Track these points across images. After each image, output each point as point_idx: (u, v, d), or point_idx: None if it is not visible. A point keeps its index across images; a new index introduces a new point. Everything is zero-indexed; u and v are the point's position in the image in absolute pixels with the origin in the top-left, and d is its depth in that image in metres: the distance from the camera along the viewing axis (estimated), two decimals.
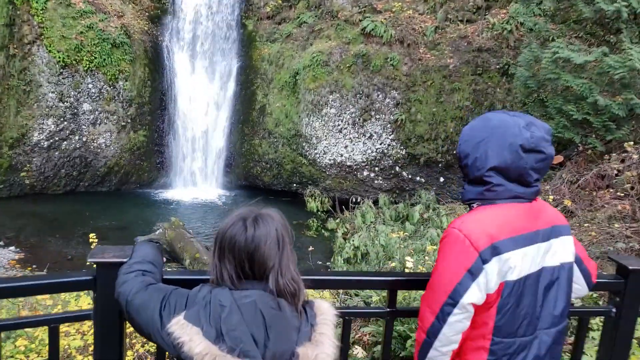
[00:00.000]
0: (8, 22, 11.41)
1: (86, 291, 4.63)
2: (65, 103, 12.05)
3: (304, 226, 11.11)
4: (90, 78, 12.15)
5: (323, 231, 10.78)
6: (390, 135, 12.28)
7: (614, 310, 2.30)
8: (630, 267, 2.24)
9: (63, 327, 3.69)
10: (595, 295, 3.83)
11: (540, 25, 9.13)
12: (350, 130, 12.37)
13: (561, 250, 1.84)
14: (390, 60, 11.96)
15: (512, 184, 1.77)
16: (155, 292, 1.59)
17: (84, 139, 12.41)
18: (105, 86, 12.33)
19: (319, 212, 11.74)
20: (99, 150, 12.61)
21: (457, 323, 1.70)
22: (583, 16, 8.26)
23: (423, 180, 12.38)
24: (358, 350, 3.29)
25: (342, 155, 12.53)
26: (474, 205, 1.82)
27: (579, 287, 1.98)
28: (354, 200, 11.88)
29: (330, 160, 12.60)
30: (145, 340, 4.10)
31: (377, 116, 12.22)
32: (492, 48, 11.67)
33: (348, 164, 12.55)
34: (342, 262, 8.21)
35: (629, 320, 2.31)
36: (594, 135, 7.92)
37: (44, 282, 1.90)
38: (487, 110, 11.67)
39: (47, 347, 3.70)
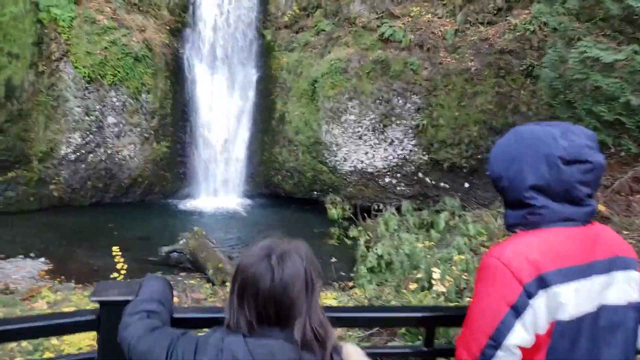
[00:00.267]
0: (36, 41, 11.78)
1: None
2: (91, 117, 12.33)
3: (326, 234, 11.02)
4: (114, 92, 12.42)
5: (345, 239, 10.67)
6: (411, 140, 12.12)
7: None
8: None
9: (88, 342, 3.69)
10: None
11: (565, 25, 8.89)
12: (371, 137, 12.26)
13: (627, 287, 1.55)
14: (410, 65, 11.84)
15: (560, 204, 1.53)
16: (162, 337, 1.45)
17: (109, 151, 12.64)
18: (128, 99, 12.57)
19: (340, 220, 11.63)
20: (123, 162, 12.82)
21: None
22: (610, 13, 8.02)
23: (447, 186, 12.16)
24: None
25: (362, 162, 12.43)
26: (517, 230, 1.60)
27: None
28: (376, 207, 11.75)
29: (350, 167, 12.51)
30: None
31: (398, 122, 12.09)
32: (514, 50, 11.43)
33: (369, 170, 12.44)
34: (366, 271, 8.07)
35: None
36: (627, 137, 7.64)
37: (42, 325, 1.73)
38: (511, 113, 11.42)
39: None
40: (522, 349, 1.45)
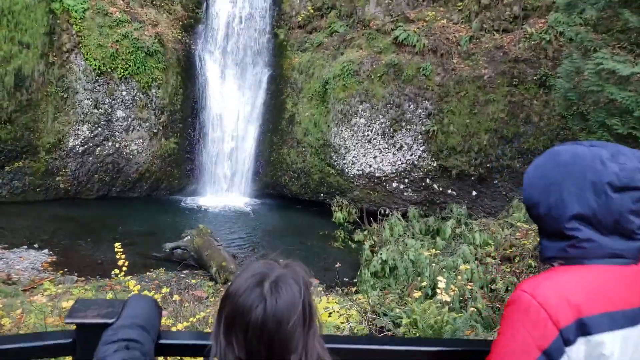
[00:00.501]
0: (48, 31, 11.79)
1: None
2: (100, 110, 12.33)
3: (330, 237, 10.95)
4: (124, 85, 12.41)
5: (350, 243, 10.59)
6: (421, 146, 12.01)
7: None
8: None
9: None
10: None
11: (582, 35, 8.76)
12: (380, 141, 12.17)
13: None
14: (423, 70, 11.74)
15: (607, 238, 1.33)
16: None
17: (117, 145, 12.64)
18: (138, 94, 12.56)
19: (346, 224, 11.55)
20: (131, 156, 12.82)
21: None
22: (628, 25, 7.87)
23: (455, 193, 12.04)
24: None
25: (370, 166, 12.33)
26: (555, 264, 1.40)
27: None
28: (382, 212, 11.64)
29: (358, 170, 12.42)
30: None
31: (408, 127, 11.98)
32: (529, 59, 11.30)
33: (377, 174, 12.34)
34: (369, 275, 7.99)
35: None
36: None
37: (7, 348, 1.54)
38: (522, 123, 11.28)
39: None
40: None
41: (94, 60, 12.05)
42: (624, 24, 8.01)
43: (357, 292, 6.39)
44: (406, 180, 12.27)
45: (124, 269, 4.37)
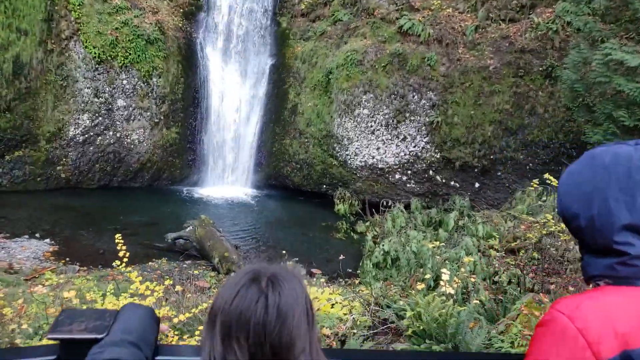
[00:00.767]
0: (46, 17, 11.62)
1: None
2: (100, 99, 12.23)
3: (333, 228, 10.91)
4: (125, 74, 12.29)
5: (352, 234, 10.55)
6: (424, 137, 11.92)
7: None
8: None
9: None
10: None
11: (590, 25, 8.62)
12: (383, 132, 12.08)
13: None
14: (428, 60, 11.60)
15: None
16: None
17: (118, 135, 12.56)
18: (139, 82, 12.45)
19: (348, 215, 11.51)
20: (132, 146, 12.75)
21: None
22: (637, 15, 7.74)
23: (457, 185, 11.96)
24: None
25: (373, 157, 12.25)
26: (600, 283, 1.21)
27: None
28: (384, 203, 11.59)
29: (361, 162, 12.35)
30: (169, 343, 3.99)
31: (412, 118, 11.88)
32: (535, 49, 11.16)
33: (380, 166, 12.26)
34: (371, 266, 7.95)
35: None
36: None
37: None
38: (527, 114, 11.17)
39: None
40: None
41: (94, 48, 11.90)
42: (632, 13, 7.88)
43: (359, 283, 6.36)
44: (409, 172, 12.19)
45: (125, 260, 4.32)
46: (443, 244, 6.98)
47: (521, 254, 5.62)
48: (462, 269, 5.07)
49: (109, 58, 12.05)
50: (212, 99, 13.55)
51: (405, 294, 5.29)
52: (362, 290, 4.28)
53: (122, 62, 12.13)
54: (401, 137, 12.02)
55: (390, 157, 12.16)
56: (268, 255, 9.50)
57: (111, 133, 12.51)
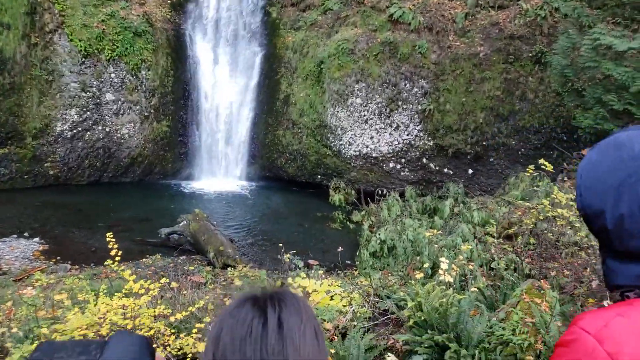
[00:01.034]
0: (29, 10, 11.31)
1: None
2: (88, 93, 12.01)
3: (328, 219, 10.88)
4: (113, 67, 12.08)
5: (348, 224, 10.53)
6: (417, 125, 11.90)
7: None
8: None
9: (81, 331, 3.55)
10: None
11: (578, 10, 8.61)
12: (377, 121, 12.03)
13: None
14: (419, 48, 11.54)
15: None
16: None
17: (107, 130, 12.37)
18: (127, 76, 12.24)
19: (344, 205, 11.49)
20: (122, 140, 12.57)
21: None
22: (623, 0, 7.75)
23: (451, 172, 11.99)
24: (391, 358, 3.05)
25: (367, 147, 12.22)
26: (631, 295, 1.02)
27: None
28: (379, 192, 11.58)
29: (355, 151, 12.31)
30: (166, 342, 3.95)
31: (404, 106, 11.84)
32: (524, 35, 11.14)
33: (374, 155, 12.23)
34: (368, 255, 7.94)
35: None
36: None
37: None
38: (518, 100, 11.19)
39: None
40: None
41: (79, 41, 11.65)
42: None
43: (358, 274, 6.34)
44: (403, 160, 12.18)
45: (118, 258, 4.25)
46: (440, 232, 6.97)
47: (518, 240, 5.64)
48: (460, 257, 5.07)
49: (96, 51, 11.81)
50: (202, 91, 13.39)
51: (402, 282, 5.28)
52: (361, 282, 4.27)
53: (110, 55, 11.91)
54: (394, 125, 11.99)
55: (384, 145, 12.13)
56: (265, 248, 9.47)
57: (100, 128, 12.32)
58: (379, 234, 8.14)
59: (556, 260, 4.90)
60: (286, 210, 11.83)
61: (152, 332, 3.84)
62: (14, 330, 3.74)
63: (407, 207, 10.30)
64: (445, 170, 12.03)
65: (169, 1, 13.16)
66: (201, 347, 3.78)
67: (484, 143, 11.53)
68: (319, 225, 10.73)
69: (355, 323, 3.43)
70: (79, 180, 12.46)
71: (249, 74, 13.55)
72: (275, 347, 0.86)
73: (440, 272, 3.96)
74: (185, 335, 3.97)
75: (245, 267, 7.58)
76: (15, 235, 9.39)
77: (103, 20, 11.83)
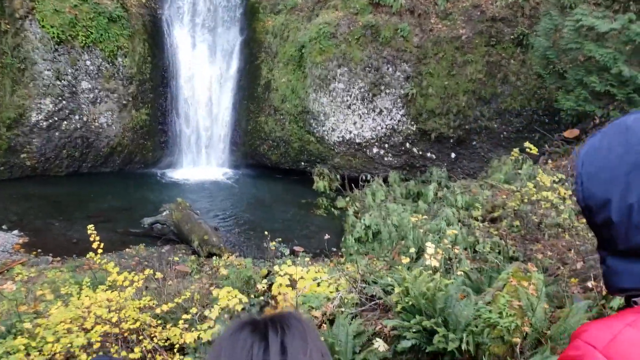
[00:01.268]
0: None
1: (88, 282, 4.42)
2: (63, 81, 11.68)
3: (313, 205, 10.87)
4: (88, 55, 11.74)
5: (332, 210, 10.54)
6: (400, 110, 11.88)
7: None
8: None
9: (65, 325, 3.48)
10: None
11: None
12: (360, 106, 11.98)
13: None
14: (401, 32, 11.47)
15: None
16: None
17: (85, 119, 12.08)
18: (103, 63, 11.93)
19: (328, 191, 11.47)
20: (100, 130, 12.30)
21: None
22: None
23: (434, 156, 12.04)
24: (379, 343, 3.06)
25: (350, 132, 12.18)
26: (639, 301, 0.92)
27: None
28: (363, 178, 11.59)
29: (338, 137, 12.26)
30: (152, 333, 3.89)
31: (387, 90, 11.80)
32: (506, 17, 11.15)
33: (357, 141, 12.20)
34: (354, 241, 7.97)
35: None
36: (614, 108, 7.56)
37: None
38: (500, 83, 11.24)
39: (49, 344, 3.52)
40: None
41: (51, 27, 11.26)
42: None
43: (344, 261, 6.34)
44: (386, 145, 12.18)
45: (100, 251, 4.17)
46: (425, 217, 7.00)
47: (504, 223, 5.69)
48: (445, 240, 5.10)
49: (69, 38, 11.45)
50: (181, 78, 13.13)
51: (388, 267, 5.30)
52: (348, 268, 4.25)
53: (84, 41, 11.55)
54: (377, 110, 11.95)
55: (367, 131, 12.10)
56: (250, 236, 9.41)
57: (77, 117, 12.01)
58: (364, 220, 8.17)
59: (539, 242, 4.96)
60: (270, 198, 11.77)
61: (138, 324, 3.79)
62: None
63: (391, 192, 10.34)
64: (429, 154, 12.08)
65: None
66: (188, 337, 3.74)
67: (467, 127, 11.59)
68: (303, 211, 10.70)
69: (343, 309, 3.42)
70: (57, 171, 12.18)
71: (229, 59, 13.32)
72: None
73: (426, 256, 3.97)
74: (171, 326, 3.93)
75: (230, 255, 7.53)
76: None
77: (75, 6, 11.44)
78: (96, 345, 3.43)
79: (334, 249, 7.98)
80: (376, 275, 3.89)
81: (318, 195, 11.26)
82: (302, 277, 3.89)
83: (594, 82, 7.68)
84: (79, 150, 12.25)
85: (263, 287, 4.36)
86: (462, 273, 4.12)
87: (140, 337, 3.66)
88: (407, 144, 12.10)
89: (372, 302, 3.56)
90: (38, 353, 3.41)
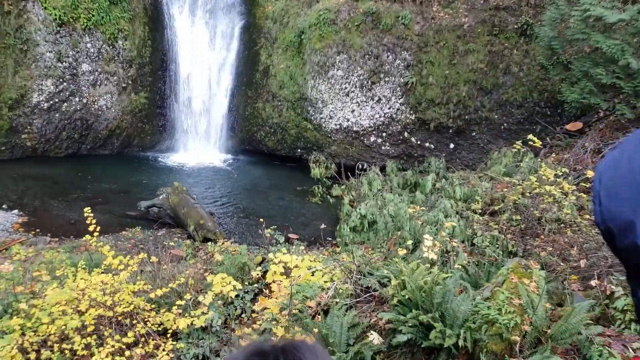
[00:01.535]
0: None
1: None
2: (64, 63, 11.65)
3: (308, 193, 10.85)
4: (89, 37, 11.69)
5: (328, 198, 10.52)
6: (399, 99, 11.80)
7: None
8: None
9: (60, 307, 3.49)
10: None
11: None
12: (358, 94, 11.89)
13: None
14: (402, 19, 11.34)
15: None
16: None
17: (85, 101, 12.06)
18: (104, 45, 11.87)
19: (324, 179, 11.44)
20: (99, 112, 12.28)
21: None
22: None
23: (432, 146, 11.99)
24: (374, 336, 3.06)
25: (348, 120, 12.11)
26: None
27: None
28: (360, 166, 11.56)
29: (336, 125, 12.20)
30: (146, 318, 3.90)
31: (387, 79, 11.71)
32: (510, 6, 11.02)
33: (355, 129, 12.14)
34: (349, 230, 7.95)
35: None
36: (620, 101, 7.48)
37: None
38: (502, 73, 11.15)
39: (44, 325, 3.53)
40: None
41: (54, 9, 11.25)
42: None
43: (338, 249, 6.33)
44: (384, 134, 12.13)
45: (96, 234, 4.16)
46: (424, 208, 6.97)
47: (504, 217, 5.65)
48: (443, 233, 5.08)
49: (71, 20, 11.42)
50: (180, 62, 13.02)
51: (383, 257, 5.30)
52: (344, 258, 4.25)
53: (85, 24, 11.52)
54: (376, 98, 11.87)
55: (365, 119, 12.03)
56: (245, 222, 9.41)
57: (77, 99, 11.99)
58: (360, 209, 8.14)
59: (539, 237, 4.93)
60: (266, 184, 11.75)
61: (131, 307, 3.80)
62: None
63: (387, 182, 10.30)
64: (427, 144, 12.03)
65: None
66: (181, 323, 3.75)
67: (466, 117, 11.53)
68: (299, 199, 10.69)
69: (338, 300, 3.42)
70: (57, 152, 12.21)
71: (228, 44, 13.20)
72: None
73: (424, 248, 3.96)
74: (165, 311, 3.94)
75: (225, 241, 7.53)
76: None
77: None
78: (90, 328, 3.44)
79: (329, 238, 7.98)
80: (372, 267, 3.88)
81: (314, 183, 11.23)
82: (296, 266, 3.89)
83: (600, 74, 7.59)
84: (78, 132, 12.24)
85: (257, 274, 4.36)
86: (460, 266, 4.12)
87: (134, 322, 3.67)
88: (406, 133, 12.05)
89: (368, 294, 3.55)
90: (33, 333, 3.42)
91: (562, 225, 5.03)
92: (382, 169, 11.15)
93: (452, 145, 11.95)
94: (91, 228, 4.12)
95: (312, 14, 11.84)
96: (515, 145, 8.15)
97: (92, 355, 3.31)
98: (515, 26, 10.89)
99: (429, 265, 3.48)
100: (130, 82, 12.39)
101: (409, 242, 5.04)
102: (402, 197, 8.90)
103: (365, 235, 7.72)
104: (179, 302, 3.82)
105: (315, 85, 12.03)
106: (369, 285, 3.54)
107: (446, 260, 4.68)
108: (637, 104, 7.20)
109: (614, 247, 0.85)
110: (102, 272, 3.96)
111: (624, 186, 0.81)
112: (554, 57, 9.08)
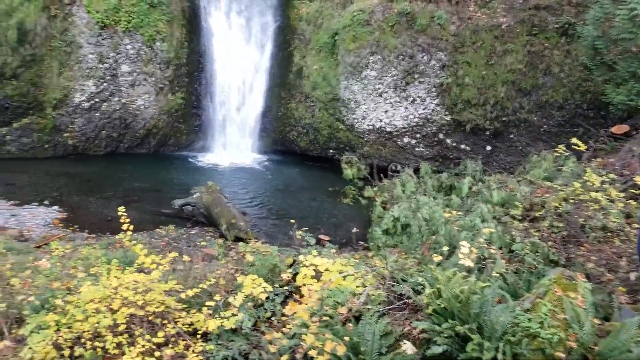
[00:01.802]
0: None
1: (116, 262, 4.49)
2: (105, 64, 12.05)
3: (340, 194, 10.77)
4: (129, 39, 12.07)
5: (360, 199, 10.41)
6: (434, 100, 11.58)
7: None
8: None
9: (93, 305, 3.53)
10: None
11: None
12: (392, 95, 11.74)
13: None
14: (437, 19, 11.12)
15: None
16: None
17: (123, 101, 12.43)
18: (143, 47, 12.22)
19: (356, 180, 11.33)
20: (137, 112, 12.62)
21: None
22: None
23: (468, 148, 11.71)
24: (407, 346, 2.96)
25: (381, 121, 11.97)
26: None
27: None
28: (392, 168, 11.40)
29: (369, 125, 12.08)
30: (177, 317, 3.92)
31: (421, 79, 11.51)
32: (550, 5, 10.66)
33: (388, 129, 11.99)
34: (381, 233, 7.81)
35: None
36: None
37: None
38: (542, 74, 10.77)
39: (78, 322, 3.59)
40: None
41: (97, 12, 11.71)
42: None
43: (370, 254, 6.22)
44: (418, 135, 11.93)
45: (129, 232, 4.22)
46: (460, 212, 6.76)
47: (546, 223, 5.39)
48: (480, 239, 4.90)
49: (112, 23, 11.84)
50: (216, 63, 13.20)
51: (417, 262, 5.16)
52: (376, 264, 4.15)
53: (126, 26, 11.92)
54: (410, 99, 11.69)
55: (398, 120, 11.87)
56: (277, 222, 9.41)
57: (116, 99, 12.37)
58: (393, 211, 7.98)
59: (582, 245, 4.69)
60: (298, 185, 11.74)
61: (162, 307, 3.81)
62: (31, 298, 3.79)
63: (421, 184, 10.10)
64: (463, 146, 11.76)
65: None
66: (211, 324, 3.74)
67: (504, 119, 11.20)
68: (331, 199, 10.63)
69: (370, 307, 3.33)
70: (96, 151, 12.62)
71: (263, 45, 13.30)
72: None
73: (461, 255, 3.82)
74: (196, 311, 3.94)
75: (257, 241, 7.54)
76: (35, 203, 9.61)
77: None
78: (122, 327, 3.47)
79: (362, 242, 7.87)
80: (405, 273, 3.77)
81: (346, 183, 11.15)
82: (327, 269, 3.82)
83: None
84: (117, 131, 12.61)
85: (288, 277, 4.32)
86: (498, 275, 3.95)
87: (165, 321, 3.68)
88: (441, 135, 11.81)
89: (401, 301, 3.44)
90: (67, 330, 3.47)
91: (608, 233, 4.76)
92: (416, 171, 10.95)
93: (488, 148, 11.63)
94: (124, 227, 4.18)
95: (346, 15, 11.77)
96: (557, 148, 7.82)
97: (123, 354, 3.34)
98: (556, 26, 10.51)
99: (465, 273, 3.35)
100: (167, 82, 12.67)
101: (445, 248, 4.89)
102: (437, 200, 8.68)
103: (398, 239, 7.56)
104: (209, 302, 3.82)
105: (348, 86, 11.95)
106: (403, 292, 3.44)
107: (483, 267, 4.51)
108: None
109: None
110: (135, 271, 4.00)
111: None
112: (597, 57, 8.71)
